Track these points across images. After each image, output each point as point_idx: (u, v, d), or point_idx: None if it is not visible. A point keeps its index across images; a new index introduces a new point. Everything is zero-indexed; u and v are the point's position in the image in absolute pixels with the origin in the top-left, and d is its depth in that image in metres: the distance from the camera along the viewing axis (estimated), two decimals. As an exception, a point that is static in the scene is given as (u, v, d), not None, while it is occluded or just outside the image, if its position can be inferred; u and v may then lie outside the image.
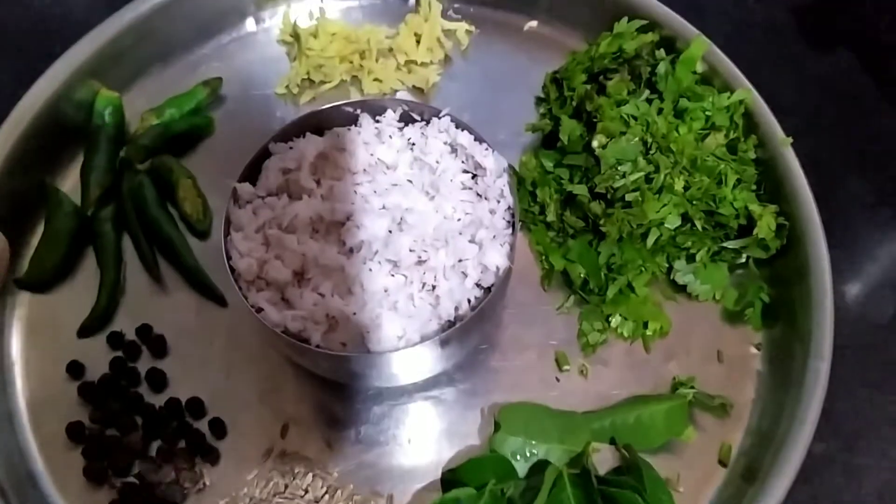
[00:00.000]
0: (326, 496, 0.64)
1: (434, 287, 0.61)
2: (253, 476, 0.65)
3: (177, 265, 0.73)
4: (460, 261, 0.61)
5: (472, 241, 0.62)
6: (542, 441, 0.64)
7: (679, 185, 0.69)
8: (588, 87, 0.75)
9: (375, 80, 0.83)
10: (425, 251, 0.61)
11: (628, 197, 0.69)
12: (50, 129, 0.75)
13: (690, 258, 0.72)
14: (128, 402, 0.67)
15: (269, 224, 0.63)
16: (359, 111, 0.68)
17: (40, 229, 0.74)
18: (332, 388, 0.68)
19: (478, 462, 0.63)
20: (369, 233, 0.61)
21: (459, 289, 0.61)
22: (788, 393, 0.65)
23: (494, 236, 0.63)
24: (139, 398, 0.68)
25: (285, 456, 0.66)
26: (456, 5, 0.87)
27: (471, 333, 0.64)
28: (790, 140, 0.72)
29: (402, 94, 0.83)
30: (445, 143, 0.67)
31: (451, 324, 0.60)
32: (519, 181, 0.75)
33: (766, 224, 0.69)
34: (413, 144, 0.67)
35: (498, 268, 0.61)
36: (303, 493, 0.64)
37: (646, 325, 0.70)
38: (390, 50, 0.84)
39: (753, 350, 0.70)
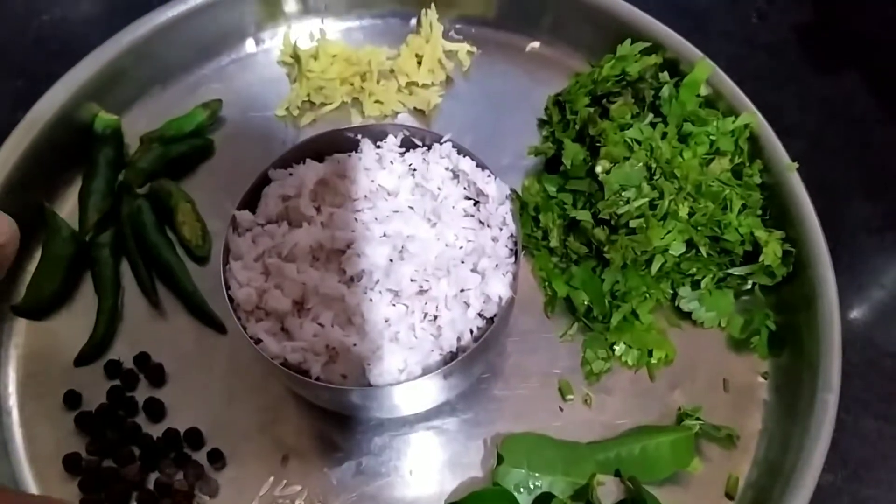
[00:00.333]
0: (327, 529, 0.63)
1: (436, 317, 0.60)
2: (252, 508, 0.64)
3: (176, 291, 0.72)
4: (462, 290, 0.60)
5: (474, 271, 0.61)
6: (545, 473, 0.63)
7: (684, 210, 0.68)
8: (591, 110, 0.74)
9: (376, 101, 0.82)
10: (427, 280, 0.60)
11: (632, 223, 0.68)
12: (49, 151, 0.74)
13: (695, 285, 0.71)
14: (125, 433, 0.66)
15: (268, 253, 0.62)
16: (359, 136, 0.67)
17: (37, 255, 0.73)
18: (332, 419, 0.67)
19: (480, 495, 0.62)
20: (370, 261, 0.60)
21: (462, 319, 0.60)
22: (796, 423, 0.64)
23: (497, 265, 0.62)
24: (137, 428, 0.67)
25: (286, 487, 0.65)
26: (457, 26, 0.86)
27: (473, 364, 0.63)
28: (796, 165, 0.71)
29: (404, 116, 0.82)
30: (447, 169, 0.66)
31: (453, 355, 0.59)
32: (522, 206, 0.74)
33: (772, 251, 0.68)
34: (414, 170, 0.66)
35: (501, 298, 0.60)
36: (303, 525, 0.63)
37: (650, 354, 0.69)
38: (391, 71, 0.84)
39: (760, 379, 0.69)
